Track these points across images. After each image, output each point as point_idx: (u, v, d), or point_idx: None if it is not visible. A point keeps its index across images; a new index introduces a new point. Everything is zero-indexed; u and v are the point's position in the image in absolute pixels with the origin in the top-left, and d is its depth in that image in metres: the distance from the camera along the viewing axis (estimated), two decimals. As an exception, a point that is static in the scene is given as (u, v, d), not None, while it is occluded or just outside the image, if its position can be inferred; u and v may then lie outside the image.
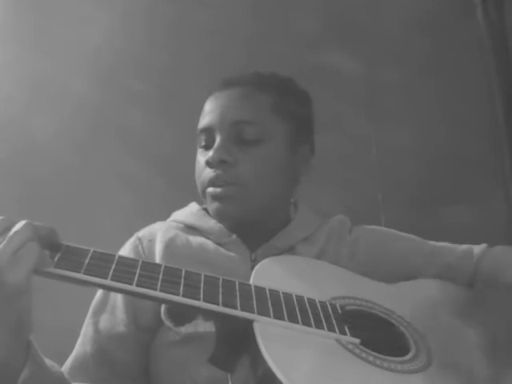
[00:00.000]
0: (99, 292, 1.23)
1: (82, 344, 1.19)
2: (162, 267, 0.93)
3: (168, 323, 1.13)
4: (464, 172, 1.96)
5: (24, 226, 0.86)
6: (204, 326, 1.10)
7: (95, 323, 1.20)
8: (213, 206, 1.21)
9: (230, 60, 1.98)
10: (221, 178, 1.19)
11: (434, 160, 2.00)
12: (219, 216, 1.22)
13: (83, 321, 1.22)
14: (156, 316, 1.15)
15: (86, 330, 1.20)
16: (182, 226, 1.28)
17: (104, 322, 1.19)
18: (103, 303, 1.21)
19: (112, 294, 1.21)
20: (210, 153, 1.20)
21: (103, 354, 1.17)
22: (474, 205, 1.93)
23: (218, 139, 1.21)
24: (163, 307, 1.14)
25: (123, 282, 0.88)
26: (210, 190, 1.21)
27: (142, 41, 2.05)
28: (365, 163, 2.02)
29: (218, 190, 1.19)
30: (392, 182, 1.99)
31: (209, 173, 1.20)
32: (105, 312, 1.20)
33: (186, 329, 1.12)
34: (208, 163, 1.20)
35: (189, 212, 1.32)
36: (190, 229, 1.27)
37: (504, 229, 1.92)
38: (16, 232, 0.85)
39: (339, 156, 1.93)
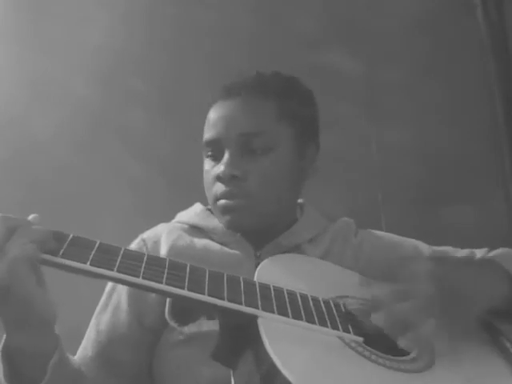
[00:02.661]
0: (103, 295, 1.24)
1: (83, 347, 1.20)
2: (167, 261, 0.94)
3: (172, 323, 1.13)
4: (464, 172, 1.97)
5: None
6: (208, 326, 1.10)
7: (97, 325, 1.20)
8: (225, 218, 1.22)
9: (230, 60, 1.98)
10: (232, 192, 1.19)
11: (434, 160, 2.00)
12: (232, 228, 1.22)
13: (88, 322, 1.23)
14: (160, 316, 1.15)
15: (89, 332, 1.21)
16: (186, 226, 1.28)
17: (106, 323, 1.20)
18: (105, 305, 1.22)
19: (115, 295, 1.22)
20: (222, 167, 1.20)
21: (104, 355, 1.17)
22: (474, 205, 1.93)
23: (226, 153, 1.21)
24: (167, 307, 1.14)
25: (129, 274, 0.88)
26: (222, 202, 1.21)
27: (142, 41, 2.05)
28: (365, 163, 2.02)
29: (230, 202, 1.20)
30: (392, 182, 1.99)
31: (220, 187, 1.21)
32: (107, 313, 1.21)
33: (190, 328, 1.12)
34: (219, 178, 1.20)
35: (193, 213, 1.32)
36: (195, 229, 1.27)
37: (504, 229, 1.93)
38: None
39: (339, 156, 1.93)
